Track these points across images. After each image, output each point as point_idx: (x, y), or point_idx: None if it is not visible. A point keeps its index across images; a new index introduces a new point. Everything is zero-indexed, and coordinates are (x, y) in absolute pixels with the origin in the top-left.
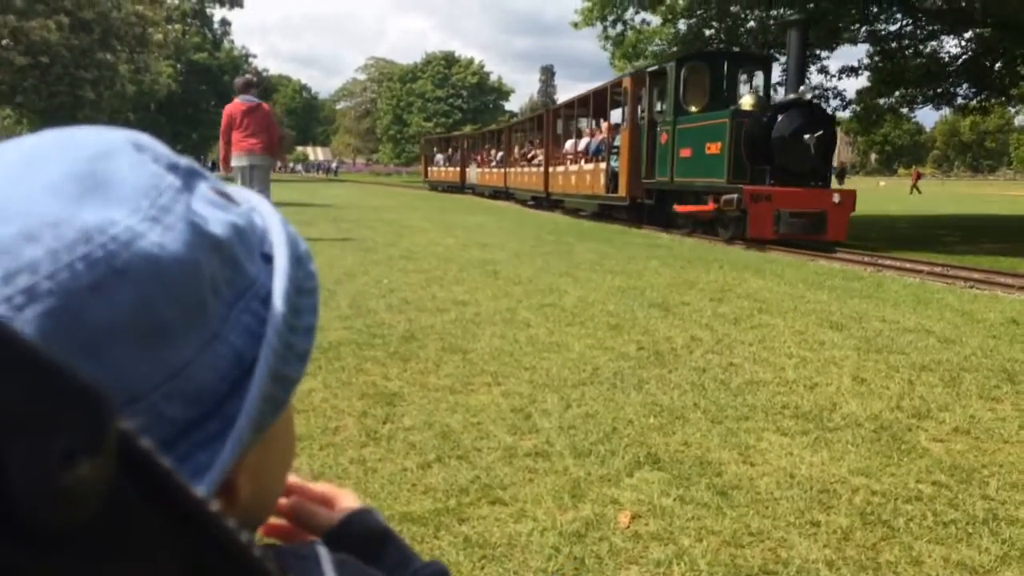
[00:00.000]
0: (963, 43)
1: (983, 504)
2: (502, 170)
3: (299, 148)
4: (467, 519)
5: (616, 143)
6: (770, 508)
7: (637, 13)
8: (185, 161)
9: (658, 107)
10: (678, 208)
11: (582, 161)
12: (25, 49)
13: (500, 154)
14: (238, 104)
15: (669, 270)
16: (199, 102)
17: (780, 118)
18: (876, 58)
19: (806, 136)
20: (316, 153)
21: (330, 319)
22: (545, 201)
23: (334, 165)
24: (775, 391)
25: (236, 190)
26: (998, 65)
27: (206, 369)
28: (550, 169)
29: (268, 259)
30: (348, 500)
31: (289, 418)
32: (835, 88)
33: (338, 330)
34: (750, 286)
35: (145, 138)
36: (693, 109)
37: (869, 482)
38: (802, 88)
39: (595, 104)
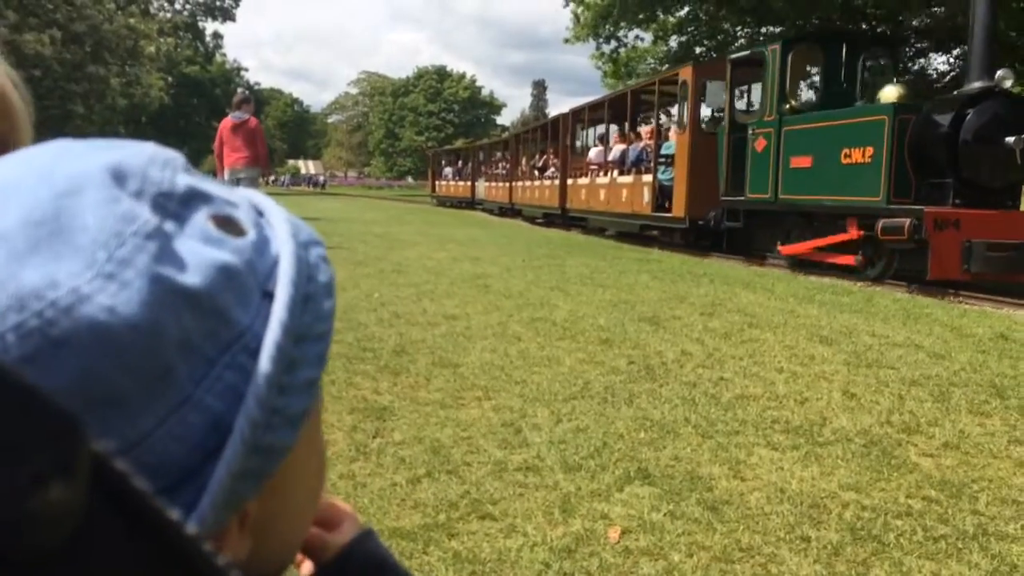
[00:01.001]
0: (951, 60)
1: (973, 519)
2: (507, 184)
3: (291, 161)
4: (457, 534)
5: (667, 151)
6: (760, 523)
7: (631, 30)
8: (184, 185)
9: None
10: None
11: (614, 173)
12: (16, 62)
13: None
14: (229, 121)
15: (660, 284)
16: (191, 115)
17: (969, 114)
18: (865, 74)
19: (1009, 139)
20: (308, 166)
21: None
22: (560, 219)
23: (322, 179)
24: (765, 406)
25: (255, 205)
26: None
27: (171, 440)
28: (568, 182)
29: (272, 297)
30: (349, 521)
31: (312, 463)
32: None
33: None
34: (740, 300)
35: (134, 162)
36: (791, 104)
37: (859, 497)
38: (1000, 73)
39: (632, 104)
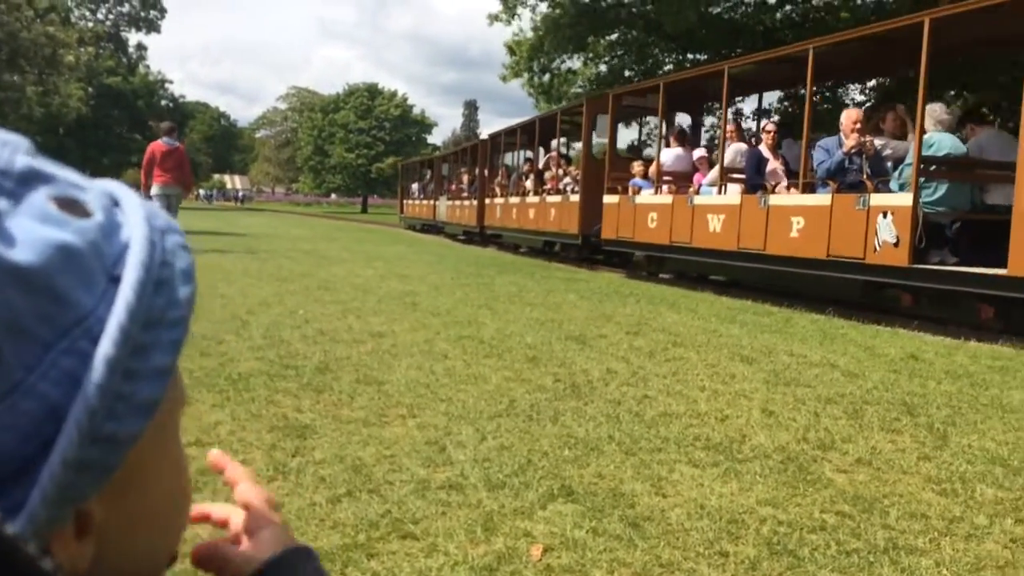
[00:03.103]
0: (866, 91)
1: (884, 533)
2: (473, 203)
3: (216, 176)
4: (376, 554)
5: (931, 151)
6: (681, 539)
7: (563, 62)
8: (22, 165)
9: None
10: None
11: (735, 188)
12: None
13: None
14: (160, 145)
15: (587, 303)
16: (111, 126)
17: None
18: (786, 103)
19: None
20: (234, 181)
21: (242, 349)
22: (575, 251)
23: (241, 193)
24: (688, 423)
25: (110, 193)
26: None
27: (0, 429)
28: (610, 200)
29: (120, 282)
30: (271, 532)
31: (167, 465)
32: (749, 130)
33: (249, 361)
34: (665, 320)
35: None
36: None
37: (776, 512)
38: None
39: (812, 70)
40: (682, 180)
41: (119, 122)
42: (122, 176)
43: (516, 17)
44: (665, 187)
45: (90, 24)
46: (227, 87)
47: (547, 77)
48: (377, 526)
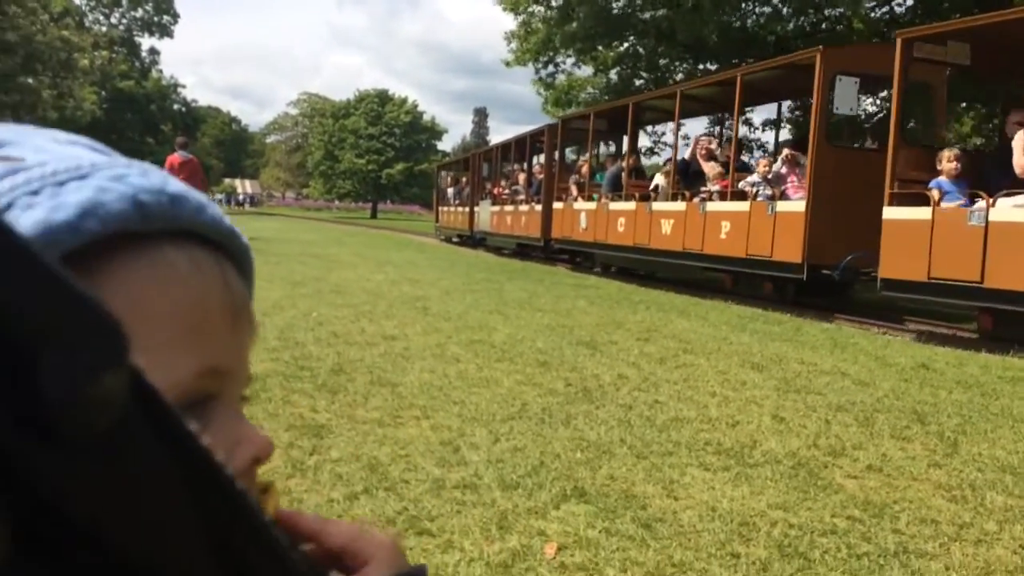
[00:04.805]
0: (878, 102)
1: (894, 538)
2: (534, 207)
3: (227, 180)
4: None
5: None
6: (692, 540)
7: (569, 56)
8: None
9: None
10: None
11: None
12: None
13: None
14: (176, 157)
15: (597, 309)
16: (124, 130)
17: None
18: (797, 112)
19: None
20: (245, 186)
21: (257, 351)
22: (777, 289)
23: (241, 197)
24: (698, 428)
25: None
26: (911, 124)
27: None
28: (914, 215)
29: None
30: (376, 565)
31: None
32: (758, 139)
33: (265, 362)
34: (676, 327)
35: None
36: None
37: (787, 516)
38: None
39: None
40: None
41: (132, 126)
42: None
43: (531, 35)
44: None
45: (104, 28)
46: (239, 92)
47: (550, 69)
48: (394, 522)
